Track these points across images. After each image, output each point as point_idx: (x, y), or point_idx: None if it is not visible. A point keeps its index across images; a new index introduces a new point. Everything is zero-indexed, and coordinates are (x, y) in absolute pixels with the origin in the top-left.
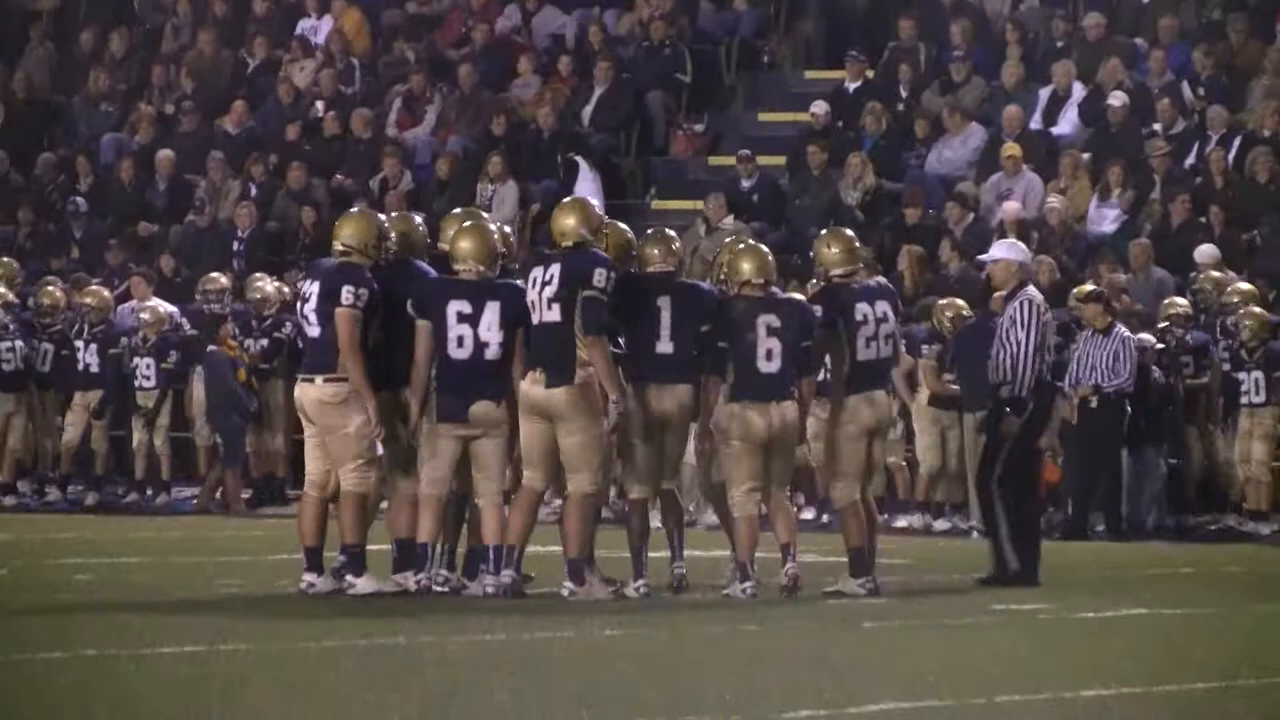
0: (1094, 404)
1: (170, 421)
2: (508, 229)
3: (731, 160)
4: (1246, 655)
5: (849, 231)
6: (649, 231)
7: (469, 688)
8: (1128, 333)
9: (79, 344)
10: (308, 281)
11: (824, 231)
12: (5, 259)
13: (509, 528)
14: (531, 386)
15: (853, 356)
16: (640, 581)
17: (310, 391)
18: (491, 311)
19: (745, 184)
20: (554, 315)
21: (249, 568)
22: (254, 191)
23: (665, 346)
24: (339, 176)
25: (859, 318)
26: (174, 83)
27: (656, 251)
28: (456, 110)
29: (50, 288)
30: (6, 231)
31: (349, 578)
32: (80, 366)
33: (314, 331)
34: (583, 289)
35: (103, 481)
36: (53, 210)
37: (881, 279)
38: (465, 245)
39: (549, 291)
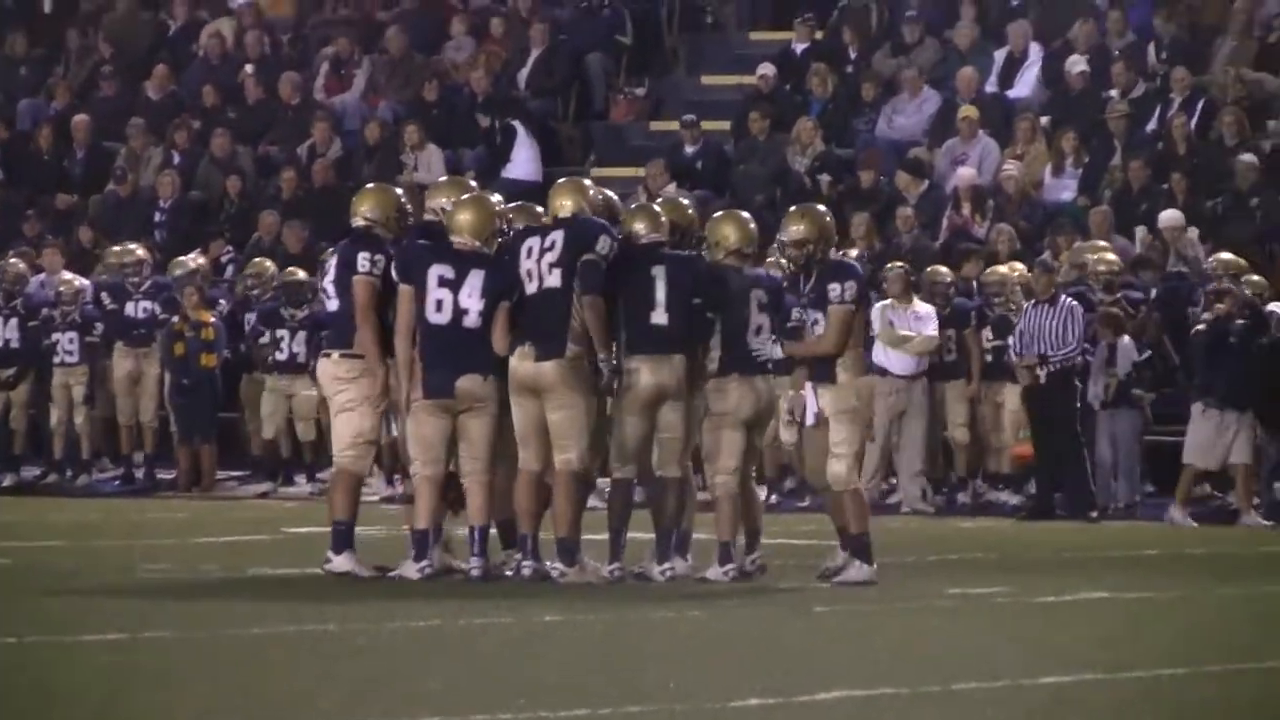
0: (1043, 378)
1: (91, 398)
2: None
3: (674, 125)
4: (1211, 640)
5: None
6: (631, 206)
7: (401, 676)
8: (1074, 302)
9: None
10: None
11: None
12: None
13: (520, 514)
14: (520, 362)
15: None
16: (615, 565)
17: (326, 367)
18: (474, 279)
19: (689, 150)
20: (554, 281)
21: (174, 551)
22: (177, 159)
23: (660, 317)
24: (265, 143)
25: None
26: (92, 46)
27: (642, 226)
28: (386, 74)
29: None
30: None
31: (329, 553)
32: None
33: (332, 305)
34: (584, 252)
35: (20, 462)
36: None
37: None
38: (464, 217)
39: (550, 257)
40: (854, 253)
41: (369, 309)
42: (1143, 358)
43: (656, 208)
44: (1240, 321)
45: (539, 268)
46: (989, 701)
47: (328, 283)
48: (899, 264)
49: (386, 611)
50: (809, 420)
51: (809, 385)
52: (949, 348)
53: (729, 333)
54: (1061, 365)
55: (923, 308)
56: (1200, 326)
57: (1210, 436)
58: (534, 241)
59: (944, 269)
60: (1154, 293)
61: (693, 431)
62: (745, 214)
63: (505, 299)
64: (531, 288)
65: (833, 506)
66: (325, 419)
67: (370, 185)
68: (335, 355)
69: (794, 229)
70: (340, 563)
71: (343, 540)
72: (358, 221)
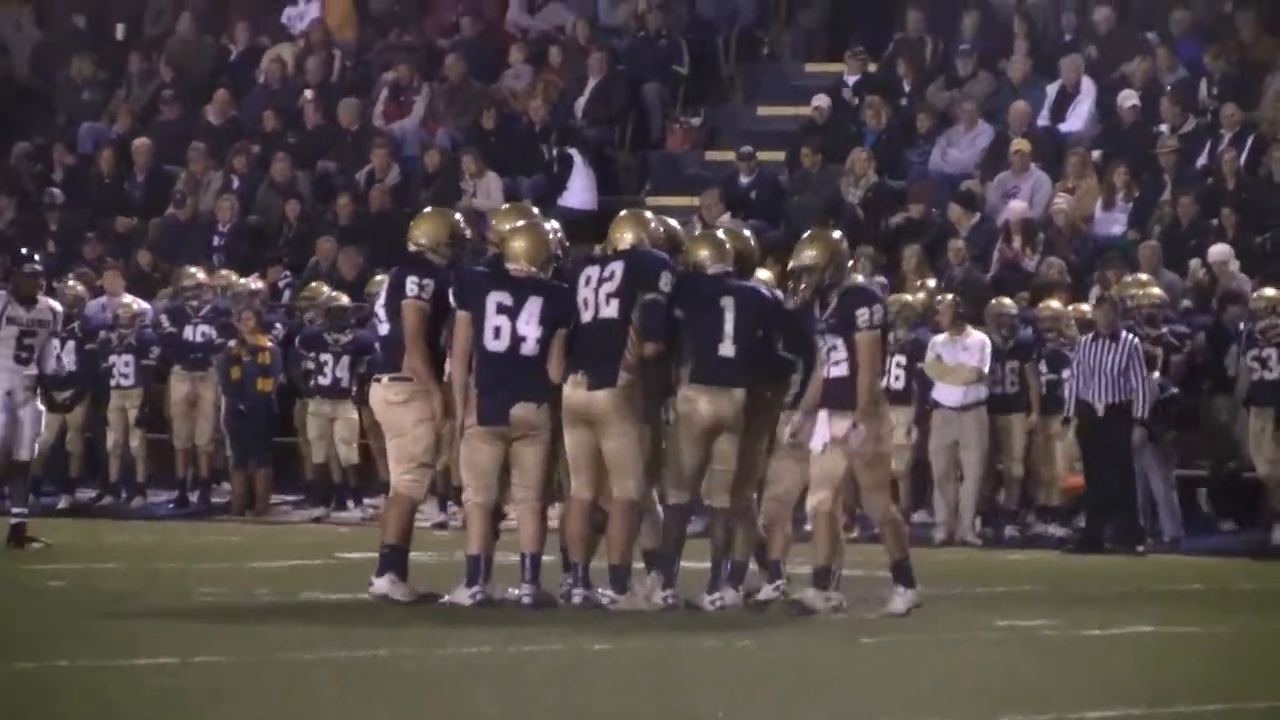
0: (1101, 413)
1: (146, 421)
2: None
3: (729, 155)
4: (1254, 675)
5: None
6: (695, 233)
7: (450, 700)
8: (1136, 340)
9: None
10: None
11: None
12: None
13: (571, 542)
14: (573, 390)
15: None
16: (668, 591)
17: (377, 391)
18: (533, 305)
19: (744, 180)
20: (610, 311)
21: (228, 575)
22: (236, 184)
23: (728, 349)
24: (324, 162)
25: None
26: (154, 70)
27: (707, 254)
28: (445, 101)
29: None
30: None
31: (372, 576)
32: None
33: (383, 329)
34: (646, 291)
35: (76, 484)
36: (30, 201)
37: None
38: (519, 245)
39: (609, 287)
40: (929, 284)
41: (417, 334)
42: (1165, 395)
43: (721, 235)
44: None
45: (596, 297)
46: None
47: (379, 306)
48: (949, 295)
49: (437, 637)
50: (817, 448)
51: (823, 412)
52: (1012, 380)
53: (811, 371)
54: (1123, 402)
55: (973, 339)
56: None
57: None
58: (593, 271)
59: (1008, 301)
60: (1241, 326)
61: (756, 464)
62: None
63: (563, 326)
64: (586, 316)
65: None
66: (376, 444)
67: (428, 210)
68: (385, 380)
69: (806, 254)
70: (380, 585)
71: (387, 563)
72: (411, 246)
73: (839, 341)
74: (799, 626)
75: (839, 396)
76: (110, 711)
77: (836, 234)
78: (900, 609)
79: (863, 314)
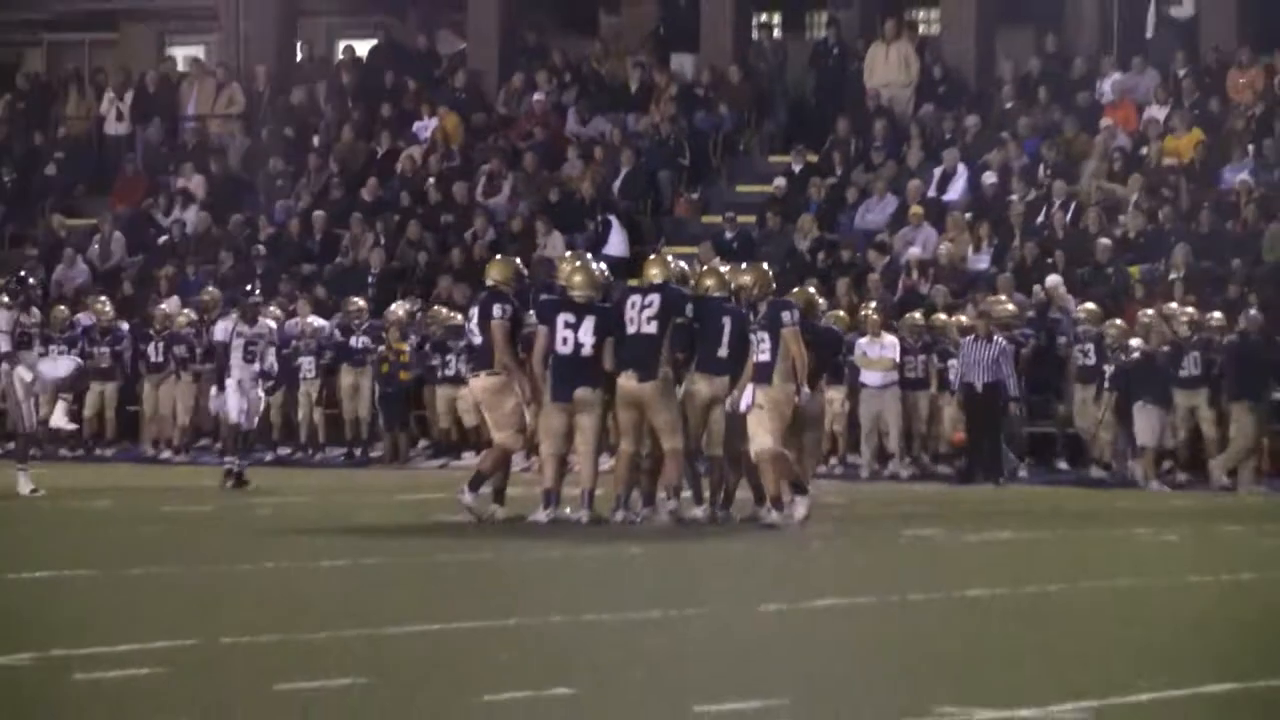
0: (980, 390)
1: (325, 401)
2: (604, 266)
3: (718, 218)
4: (1085, 567)
5: None
6: (704, 267)
7: (534, 588)
8: (1006, 342)
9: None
10: (474, 307)
11: None
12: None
13: (618, 481)
14: (627, 382)
15: None
16: (701, 507)
17: (475, 383)
18: (589, 322)
19: (728, 235)
20: (650, 329)
21: (382, 504)
22: (383, 241)
23: (724, 351)
24: (443, 224)
25: None
26: (324, 164)
27: (712, 283)
28: (524, 184)
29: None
30: (211, 270)
31: (466, 488)
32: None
33: (477, 340)
34: (676, 317)
35: (277, 444)
36: (242, 255)
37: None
38: (579, 279)
39: (649, 313)
40: (872, 304)
41: (504, 342)
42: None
43: (723, 269)
44: (1164, 349)
45: (639, 318)
46: (929, 606)
47: (473, 325)
48: (873, 311)
49: (524, 546)
50: (743, 408)
51: (750, 385)
52: (920, 369)
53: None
54: (995, 383)
55: (888, 340)
56: (1136, 355)
57: (1159, 424)
58: (636, 298)
59: (918, 315)
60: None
61: (740, 426)
62: (811, 289)
63: (610, 335)
64: (631, 329)
65: (756, 469)
66: (479, 417)
67: (497, 256)
68: (482, 375)
69: (742, 278)
70: (467, 499)
71: (475, 483)
72: (489, 281)
73: (766, 336)
74: (770, 536)
75: (762, 374)
76: (301, 599)
77: (764, 264)
78: (801, 513)
79: (786, 315)
